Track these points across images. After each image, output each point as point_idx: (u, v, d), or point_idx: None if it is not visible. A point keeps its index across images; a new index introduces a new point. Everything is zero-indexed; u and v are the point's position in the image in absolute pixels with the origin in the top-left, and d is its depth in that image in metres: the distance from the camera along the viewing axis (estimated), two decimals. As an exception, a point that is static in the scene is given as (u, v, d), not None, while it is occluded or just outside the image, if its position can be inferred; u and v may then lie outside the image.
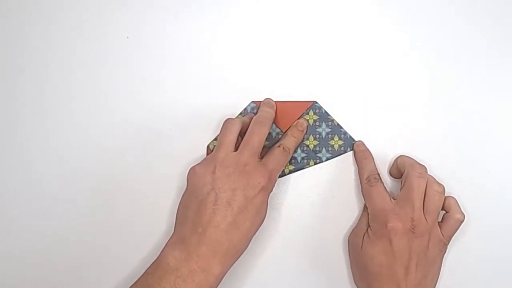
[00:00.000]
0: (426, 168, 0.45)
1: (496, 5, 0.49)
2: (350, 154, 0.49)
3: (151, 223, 0.48)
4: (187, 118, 0.49)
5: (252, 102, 0.49)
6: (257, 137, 0.44)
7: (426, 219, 0.42)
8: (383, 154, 0.49)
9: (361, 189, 0.46)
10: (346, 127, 0.49)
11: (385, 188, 0.45)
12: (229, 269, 0.41)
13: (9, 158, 0.50)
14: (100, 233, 0.48)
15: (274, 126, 0.49)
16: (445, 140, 0.49)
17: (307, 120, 0.48)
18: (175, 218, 0.43)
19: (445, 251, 0.44)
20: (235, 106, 0.49)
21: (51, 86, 0.50)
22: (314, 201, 0.48)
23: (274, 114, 0.47)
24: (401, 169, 0.46)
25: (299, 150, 0.48)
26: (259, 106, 0.48)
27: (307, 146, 0.48)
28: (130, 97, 0.50)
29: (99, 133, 0.49)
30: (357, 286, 0.46)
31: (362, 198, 0.47)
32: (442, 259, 0.44)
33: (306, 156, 0.48)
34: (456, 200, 0.45)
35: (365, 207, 0.46)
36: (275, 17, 0.50)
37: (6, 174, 0.49)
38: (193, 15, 0.51)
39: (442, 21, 0.50)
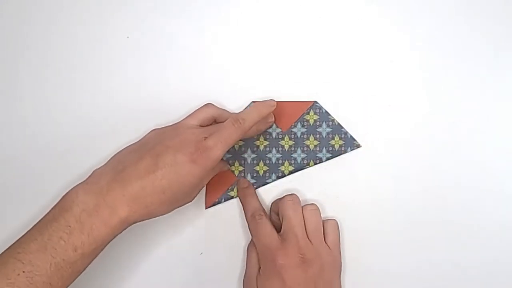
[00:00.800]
0: (296, 195, 0.45)
1: (496, 4, 0.49)
2: (351, 153, 0.48)
3: (151, 223, 0.48)
4: (187, 118, 0.49)
5: (253, 102, 0.49)
6: (228, 130, 0.42)
7: (311, 243, 0.42)
8: (384, 154, 0.49)
9: (248, 227, 0.45)
10: (347, 127, 0.49)
11: (271, 224, 0.44)
12: (134, 221, 0.39)
13: (9, 158, 0.49)
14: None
15: (274, 126, 0.48)
16: (445, 140, 0.49)
17: (308, 120, 0.48)
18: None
19: (340, 268, 0.44)
20: (236, 106, 0.49)
21: (51, 86, 0.50)
22: (317, 201, 0.49)
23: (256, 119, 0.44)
24: (275, 209, 0.46)
25: (299, 150, 0.48)
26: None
27: (307, 146, 0.48)
28: (130, 97, 0.50)
29: (99, 133, 0.49)
30: None
31: (366, 197, 0.47)
32: (339, 275, 0.44)
33: (306, 156, 0.48)
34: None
35: (252, 248, 0.45)
36: (274, 16, 0.50)
37: (7, 174, 0.49)
38: (193, 15, 0.51)
39: (442, 21, 0.50)
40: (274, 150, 0.48)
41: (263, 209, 0.46)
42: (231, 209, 0.49)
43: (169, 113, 0.49)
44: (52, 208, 0.39)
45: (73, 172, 0.49)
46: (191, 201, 0.43)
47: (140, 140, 0.44)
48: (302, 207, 0.44)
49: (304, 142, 0.48)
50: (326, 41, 0.50)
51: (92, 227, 0.37)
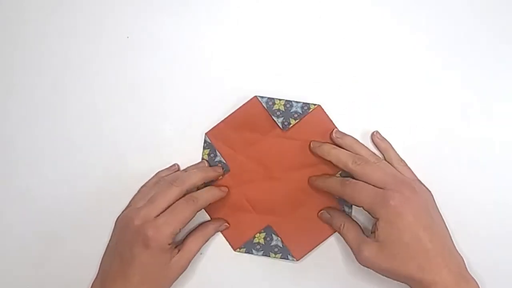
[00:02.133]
0: (361, 156, 0.45)
1: (499, 3, 0.49)
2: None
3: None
4: (187, 118, 0.49)
5: (255, 96, 0.48)
6: (181, 208, 0.44)
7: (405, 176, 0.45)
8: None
9: (344, 197, 0.44)
10: (349, 127, 0.48)
11: (361, 181, 0.44)
12: None
13: (9, 159, 0.50)
14: (100, 233, 0.48)
15: None
16: (448, 140, 0.48)
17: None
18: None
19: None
20: (235, 106, 0.49)
21: (50, 85, 0.50)
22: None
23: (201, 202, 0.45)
24: (345, 167, 0.45)
25: None
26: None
27: None
28: (130, 97, 0.50)
29: (98, 133, 0.49)
30: (400, 281, 0.42)
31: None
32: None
33: None
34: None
35: (339, 228, 0.45)
36: (274, 16, 0.50)
37: (6, 175, 0.49)
38: (193, 15, 0.51)
39: (445, 20, 0.49)
40: None
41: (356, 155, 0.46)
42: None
43: (169, 113, 0.49)
44: None
45: (73, 172, 0.49)
46: (183, 271, 0.45)
47: (112, 237, 0.47)
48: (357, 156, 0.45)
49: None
50: (326, 40, 0.50)
51: None
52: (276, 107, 0.48)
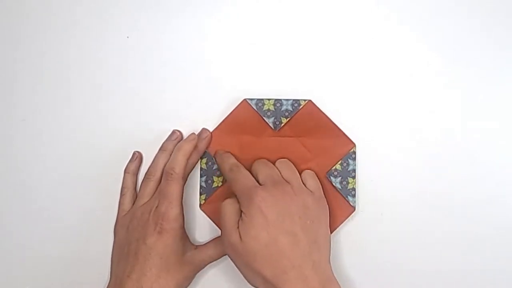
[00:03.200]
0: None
1: (499, 3, 0.49)
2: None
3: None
4: (187, 117, 0.49)
5: (244, 100, 0.48)
6: (166, 189, 0.44)
7: (290, 184, 0.43)
8: (381, 153, 0.48)
9: (228, 182, 0.45)
10: (342, 124, 0.48)
11: (248, 172, 0.44)
12: None
13: (8, 159, 0.50)
14: (100, 234, 0.48)
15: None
16: (444, 139, 0.48)
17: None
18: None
19: (327, 211, 0.44)
20: (235, 105, 0.49)
21: (50, 85, 0.50)
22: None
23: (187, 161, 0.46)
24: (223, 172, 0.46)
25: None
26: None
27: None
28: (130, 96, 0.50)
29: (98, 133, 0.49)
30: (255, 286, 0.41)
31: (363, 195, 0.47)
32: (327, 220, 0.44)
33: None
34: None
35: (226, 203, 0.43)
36: (274, 17, 0.50)
37: (5, 175, 0.49)
38: (193, 15, 0.51)
39: (439, 18, 0.49)
40: None
41: (240, 164, 0.46)
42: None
43: (169, 113, 0.49)
44: None
45: (73, 172, 0.49)
46: (200, 269, 0.46)
47: (116, 244, 0.47)
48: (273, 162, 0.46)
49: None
50: (319, 38, 0.50)
51: None
52: (266, 107, 0.48)
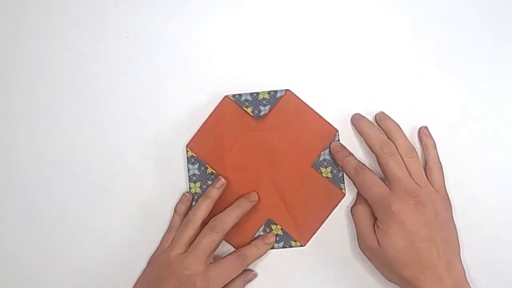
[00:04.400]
0: (392, 144, 0.45)
1: (499, 2, 0.49)
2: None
3: (153, 222, 0.48)
4: (187, 117, 0.49)
5: (225, 96, 0.48)
6: (205, 241, 0.44)
7: (420, 186, 0.43)
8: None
9: (353, 183, 0.46)
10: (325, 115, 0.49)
11: (374, 173, 0.45)
12: None
13: (9, 159, 0.50)
14: (100, 233, 0.48)
15: None
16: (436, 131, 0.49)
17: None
18: None
19: (451, 208, 0.45)
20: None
21: (50, 85, 0.50)
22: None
23: (232, 220, 0.45)
24: (371, 148, 0.46)
25: None
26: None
27: None
28: (130, 96, 0.50)
29: (98, 133, 0.49)
30: (392, 282, 0.44)
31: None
32: (452, 215, 0.44)
33: None
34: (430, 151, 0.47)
35: (358, 208, 0.45)
36: (274, 19, 0.50)
37: (6, 175, 0.49)
38: (193, 15, 0.51)
39: (427, 9, 0.50)
40: None
41: (364, 165, 0.46)
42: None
43: (169, 113, 0.49)
44: None
45: (73, 172, 0.49)
46: None
47: (145, 276, 0.46)
48: (401, 153, 0.45)
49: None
50: (301, 30, 0.50)
51: None
52: (243, 98, 0.48)
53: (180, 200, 0.48)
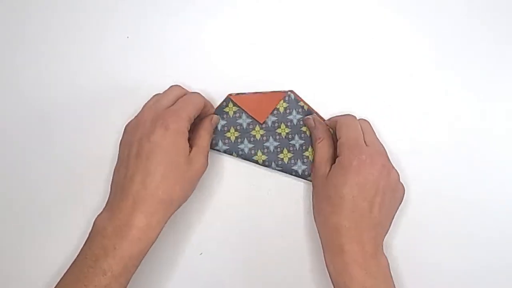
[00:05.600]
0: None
1: (498, 3, 0.50)
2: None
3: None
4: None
5: (229, 95, 0.49)
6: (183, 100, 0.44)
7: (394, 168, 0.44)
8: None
9: (335, 121, 0.46)
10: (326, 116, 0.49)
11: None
12: (162, 219, 0.40)
13: (9, 158, 0.50)
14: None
15: (245, 116, 0.48)
16: (420, 125, 0.49)
17: (278, 109, 0.48)
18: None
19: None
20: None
21: (50, 86, 0.50)
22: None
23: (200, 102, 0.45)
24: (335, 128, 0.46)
25: (271, 139, 0.48)
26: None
27: (279, 134, 0.48)
28: (130, 96, 0.50)
29: (98, 133, 0.49)
30: (315, 221, 0.45)
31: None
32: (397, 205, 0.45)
33: (279, 144, 0.48)
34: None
35: (325, 138, 0.46)
36: (274, 19, 0.50)
37: (7, 175, 0.49)
38: (193, 15, 0.51)
39: (431, 11, 0.50)
40: (246, 141, 0.48)
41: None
42: (232, 208, 0.49)
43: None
44: (83, 245, 0.40)
45: (73, 172, 0.49)
46: (204, 169, 0.43)
47: (122, 147, 0.44)
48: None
49: (276, 131, 0.48)
50: (303, 31, 0.50)
51: (114, 247, 0.38)
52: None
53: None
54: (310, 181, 0.48)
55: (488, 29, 0.50)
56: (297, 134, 0.48)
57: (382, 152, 0.44)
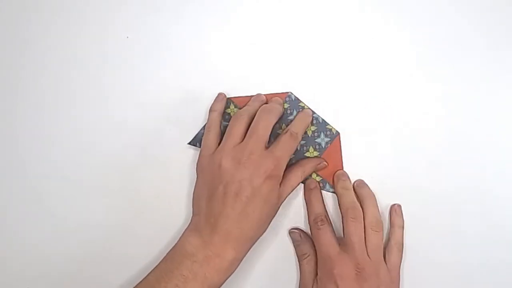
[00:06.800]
0: (360, 211, 0.45)
1: (496, 4, 0.49)
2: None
3: (148, 224, 0.48)
4: (187, 118, 0.49)
5: (219, 93, 0.49)
6: (262, 124, 0.44)
7: (370, 260, 0.43)
8: (361, 146, 0.49)
9: (310, 231, 0.46)
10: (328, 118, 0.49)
11: (332, 230, 0.45)
12: (245, 253, 0.42)
13: (9, 160, 0.50)
14: (100, 233, 0.48)
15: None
16: (420, 127, 0.49)
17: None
18: (192, 207, 0.45)
19: (399, 281, 0.45)
20: (235, 106, 0.49)
21: (51, 86, 0.50)
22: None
23: (281, 110, 0.47)
24: (340, 208, 0.46)
25: (272, 140, 0.48)
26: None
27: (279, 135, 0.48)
28: (130, 97, 0.50)
29: (99, 133, 0.49)
30: None
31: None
32: None
33: None
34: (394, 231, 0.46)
35: (310, 254, 0.46)
36: (275, 19, 0.50)
37: (7, 175, 0.49)
38: (193, 15, 0.51)
39: (426, 13, 0.50)
40: None
41: (326, 214, 0.46)
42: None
43: (169, 113, 0.49)
44: (165, 259, 0.42)
45: (73, 172, 0.49)
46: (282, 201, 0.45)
47: (201, 182, 0.44)
48: (365, 224, 0.45)
49: (277, 132, 0.48)
50: (302, 31, 0.50)
51: (205, 275, 0.40)
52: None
53: (215, 100, 0.48)
54: None
55: (488, 29, 0.49)
56: None
57: (356, 257, 0.43)
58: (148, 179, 0.49)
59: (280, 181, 0.43)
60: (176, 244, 0.42)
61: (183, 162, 0.49)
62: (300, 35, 0.50)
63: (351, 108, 0.49)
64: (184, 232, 0.43)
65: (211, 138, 0.46)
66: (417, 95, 0.49)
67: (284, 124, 0.48)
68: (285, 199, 0.45)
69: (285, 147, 0.44)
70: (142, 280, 0.41)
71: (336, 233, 0.46)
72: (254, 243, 0.43)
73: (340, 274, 0.42)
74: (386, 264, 0.44)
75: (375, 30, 0.50)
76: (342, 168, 0.48)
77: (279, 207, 0.44)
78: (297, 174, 0.45)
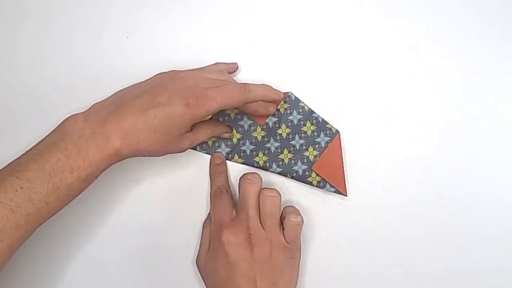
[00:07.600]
0: (258, 175, 0.44)
1: (497, 4, 0.50)
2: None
3: (153, 222, 0.48)
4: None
5: None
6: None
7: (263, 226, 0.42)
8: (360, 143, 0.49)
9: (210, 203, 0.46)
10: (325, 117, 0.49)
11: (230, 202, 0.45)
12: (129, 153, 0.40)
13: (10, 159, 0.50)
14: (101, 233, 0.48)
15: (246, 118, 0.49)
16: (419, 127, 0.49)
17: (279, 109, 0.48)
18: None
19: (297, 256, 0.44)
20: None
21: (51, 86, 0.50)
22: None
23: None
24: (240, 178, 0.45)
25: (272, 140, 0.48)
26: None
27: (280, 134, 0.48)
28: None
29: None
30: None
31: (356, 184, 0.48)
32: (295, 264, 0.44)
33: (280, 145, 0.48)
34: (293, 206, 0.45)
35: (207, 224, 0.46)
36: (275, 18, 0.51)
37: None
38: (193, 15, 0.51)
39: (423, 13, 0.50)
40: (247, 142, 0.48)
41: (228, 187, 0.46)
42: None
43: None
44: (51, 132, 0.40)
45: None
46: (182, 151, 0.44)
47: (144, 81, 0.45)
48: (261, 189, 0.44)
49: (277, 131, 0.48)
50: (303, 31, 0.50)
51: (88, 152, 0.38)
52: None
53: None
54: (310, 182, 0.48)
55: (488, 29, 0.50)
56: (298, 134, 0.48)
57: (248, 224, 0.42)
58: (147, 179, 0.49)
59: (197, 115, 0.41)
60: (66, 118, 0.41)
61: (184, 160, 0.49)
62: (300, 35, 0.50)
63: (351, 108, 0.49)
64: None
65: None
66: (417, 95, 0.49)
67: (283, 124, 0.48)
68: (185, 149, 0.44)
69: (225, 92, 0.42)
70: (25, 153, 0.39)
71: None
72: (141, 155, 0.41)
73: (227, 240, 0.41)
74: (283, 230, 0.43)
75: (375, 30, 0.50)
76: (343, 167, 0.48)
77: (176, 149, 0.43)
78: (207, 131, 0.46)
